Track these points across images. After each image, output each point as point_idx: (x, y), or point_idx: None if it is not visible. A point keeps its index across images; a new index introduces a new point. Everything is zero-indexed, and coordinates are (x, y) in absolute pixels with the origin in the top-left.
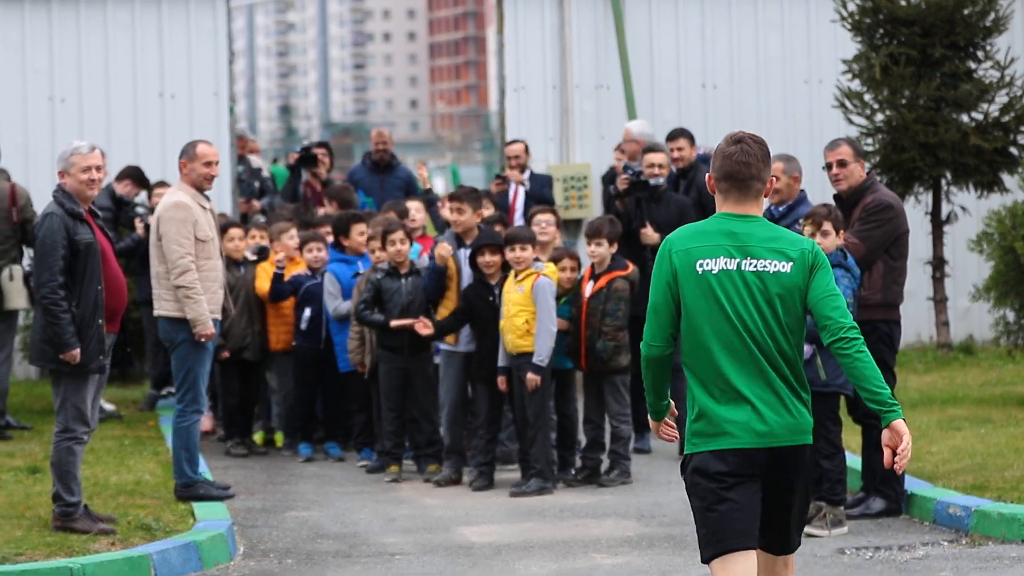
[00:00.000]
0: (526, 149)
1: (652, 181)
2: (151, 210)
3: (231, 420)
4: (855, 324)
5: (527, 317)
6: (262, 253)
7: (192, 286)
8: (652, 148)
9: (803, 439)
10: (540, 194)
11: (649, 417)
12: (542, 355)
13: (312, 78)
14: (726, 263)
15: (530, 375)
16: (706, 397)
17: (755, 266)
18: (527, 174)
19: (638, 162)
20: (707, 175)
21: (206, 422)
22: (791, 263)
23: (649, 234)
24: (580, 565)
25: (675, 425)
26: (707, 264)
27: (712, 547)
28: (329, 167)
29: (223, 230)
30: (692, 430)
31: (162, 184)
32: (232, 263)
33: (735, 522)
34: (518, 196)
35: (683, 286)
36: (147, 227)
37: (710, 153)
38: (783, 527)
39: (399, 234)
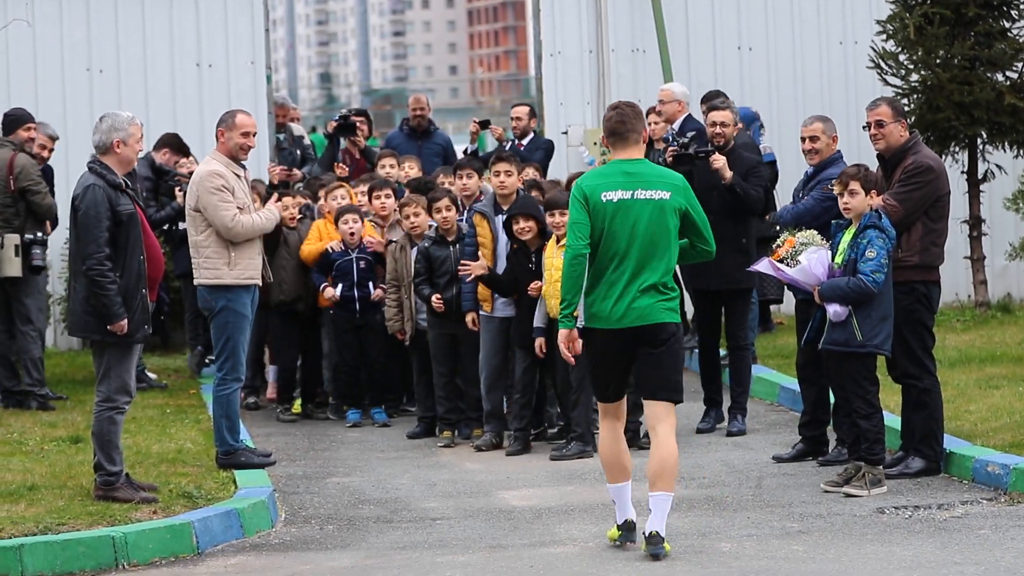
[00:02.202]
0: (531, 113)
1: (697, 150)
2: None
3: (286, 385)
4: (712, 251)
5: None
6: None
7: (255, 222)
8: (715, 106)
9: (668, 317)
10: (530, 158)
11: (560, 326)
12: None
13: (352, 45)
14: (623, 194)
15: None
16: (601, 290)
17: (645, 194)
18: (529, 137)
19: (678, 125)
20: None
21: (271, 390)
22: (670, 192)
23: (723, 167)
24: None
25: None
26: (609, 195)
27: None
28: (367, 135)
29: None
30: (587, 314)
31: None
32: (286, 227)
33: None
34: None
35: (593, 213)
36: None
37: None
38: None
39: (445, 201)
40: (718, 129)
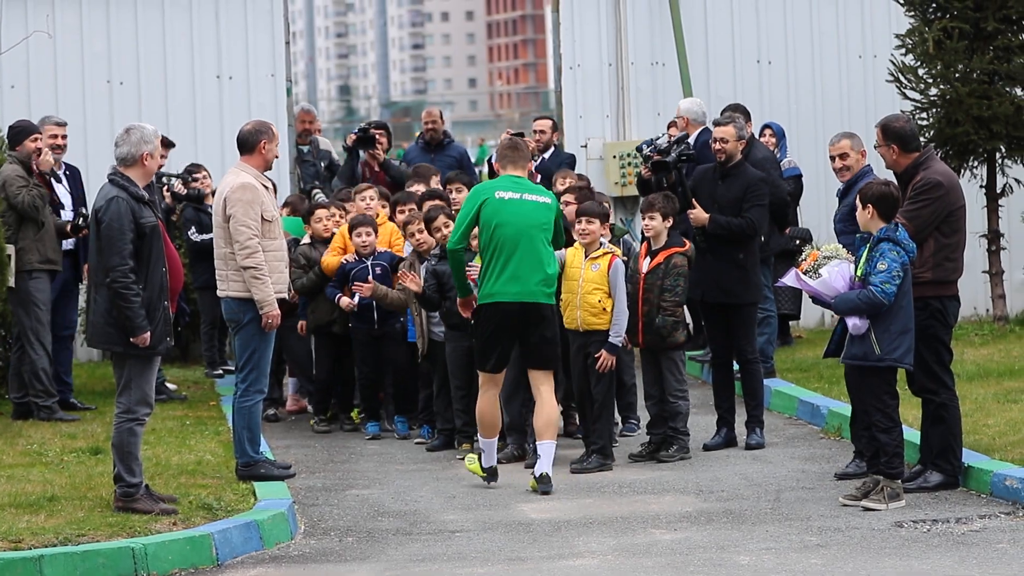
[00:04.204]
0: (553, 127)
1: (681, 153)
2: (181, 176)
3: (322, 396)
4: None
5: (601, 296)
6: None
7: (259, 267)
8: (718, 122)
9: (543, 299)
10: (551, 172)
11: (458, 297)
12: (620, 335)
13: (371, 58)
14: (514, 195)
15: (606, 354)
16: (496, 272)
17: (532, 198)
18: (551, 151)
19: (692, 139)
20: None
21: (291, 402)
22: (549, 200)
23: (696, 215)
24: (639, 541)
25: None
26: (503, 195)
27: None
28: (387, 147)
29: (310, 212)
30: (481, 294)
31: (198, 167)
32: (320, 241)
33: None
34: (535, 176)
35: (489, 209)
36: (174, 196)
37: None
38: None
39: (441, 219)
40: (718, 145)
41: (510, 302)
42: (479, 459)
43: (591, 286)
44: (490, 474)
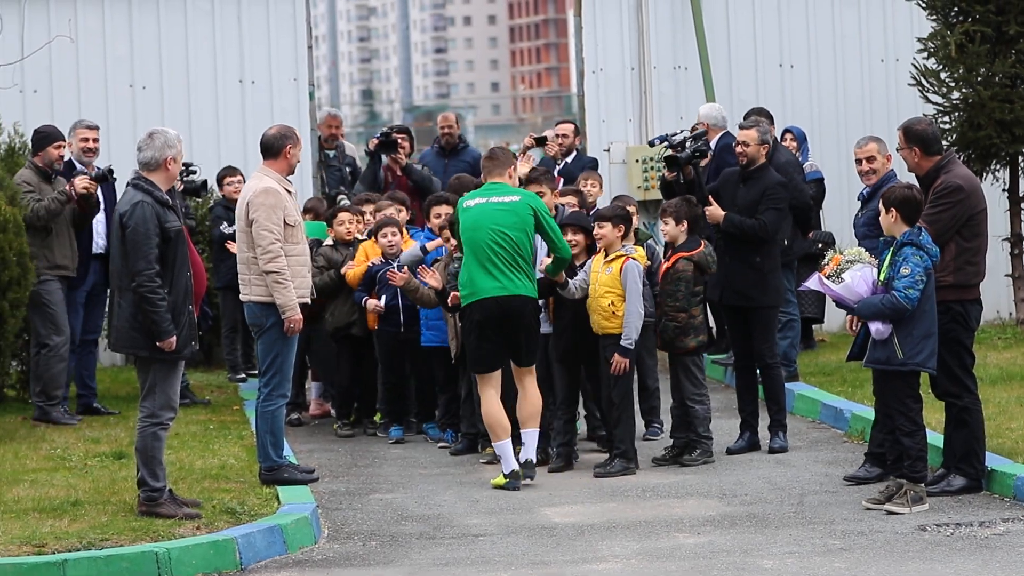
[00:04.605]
0: (575, 131)
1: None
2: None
3: (345, 400)
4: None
5: (613, 299)
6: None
7: (282, 271)
8: (742, 125)
9: (520, 291)
10: (573, 176)
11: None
12: (630, 337)
13: (394, 62)
14: (480, 200)
15: (617, 357)
16: (474, 272)
17: (497, 199)
18: (573, 155)
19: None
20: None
21: (314, 407)
22: (519, 197)
23: (712, 212)
24: (663, 544)
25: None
26: (469, 203)
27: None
28: (409, 152)
29: (333, 215)
30: (463, 293)
31: (232, 171)
32: (342, 244)
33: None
34: (559, 179)
35: (460, 218)
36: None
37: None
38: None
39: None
40: (740, 148)
41: (490, 298)
42: (501, 469)
43: (603, 289)
44: (514, 477)
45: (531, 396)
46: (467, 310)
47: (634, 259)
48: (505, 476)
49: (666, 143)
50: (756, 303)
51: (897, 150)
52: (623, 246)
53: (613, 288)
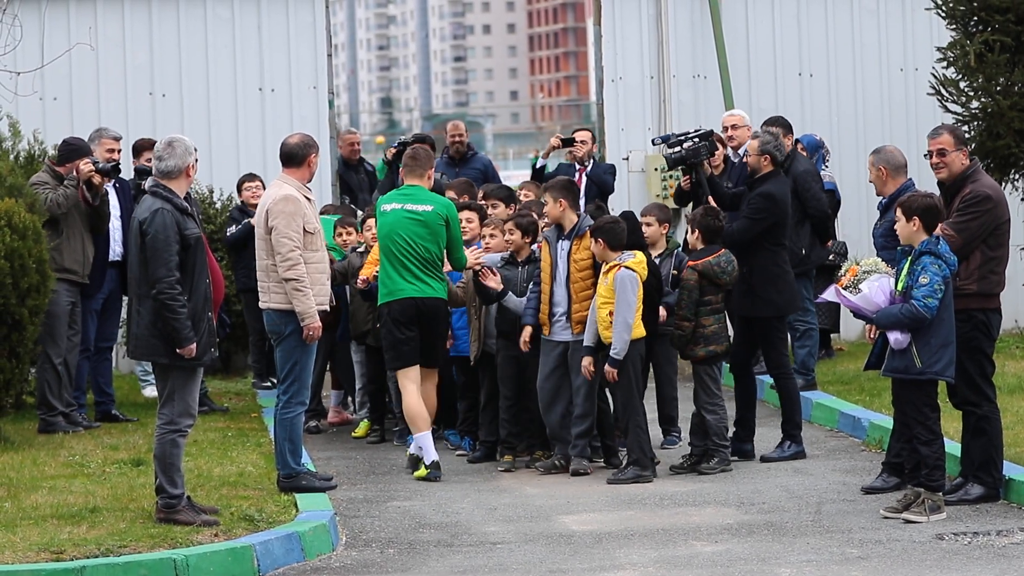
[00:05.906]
0: (593, 138)
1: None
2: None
3: (374, 403)
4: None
5: (611, 309)
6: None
7: (301, 279)
8: (755, 134)
9: (434, 294)
10: (601, 180)
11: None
12: (617, 348)
13: (413, 70)
14: (395, 206)
15: (607, 368)
16: (392, 273)
17: (411, 208)
18: (590, 163)
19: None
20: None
21: (332, 415)
22: (432, 207)
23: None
24: (680, 552)
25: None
26: (386, 207)
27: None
28: None
29: (362, 222)
30: (382, 291)
31: (251, 176)
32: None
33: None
34: (581, 181)
35: (378, 221)
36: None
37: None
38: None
39: (510, 224)
40: (744, 158)
41: (408, 298)
42: (420, 463)
43: (601, 299)
44: (434, 467)
45: (430, 399)
46: (385, 308)
47: (627, 268)
48: (426, 467)
49: (664, 144)
50: (748, 312)
51: (924, 156)
52: (620, 255)
53: (610, 299)
